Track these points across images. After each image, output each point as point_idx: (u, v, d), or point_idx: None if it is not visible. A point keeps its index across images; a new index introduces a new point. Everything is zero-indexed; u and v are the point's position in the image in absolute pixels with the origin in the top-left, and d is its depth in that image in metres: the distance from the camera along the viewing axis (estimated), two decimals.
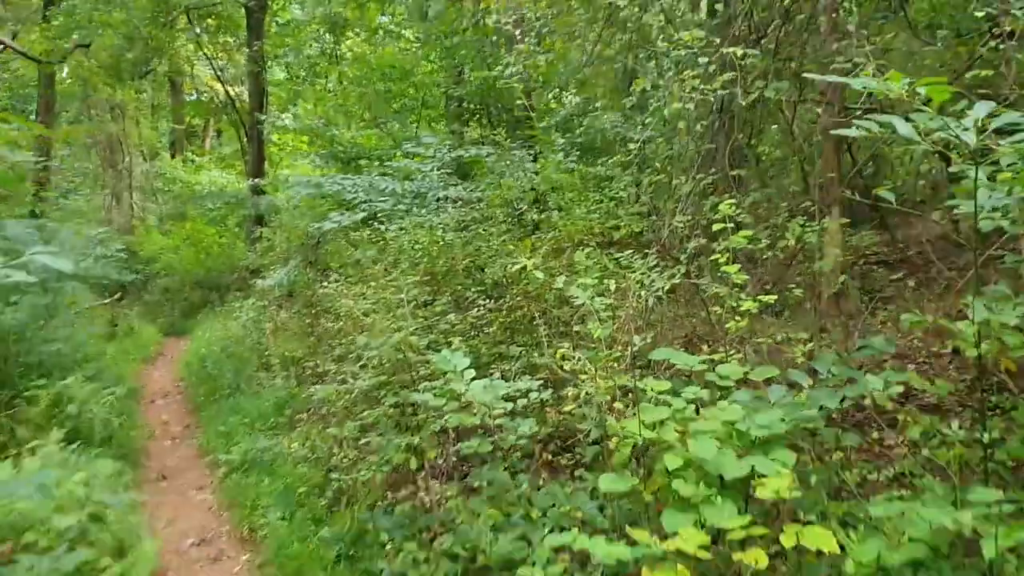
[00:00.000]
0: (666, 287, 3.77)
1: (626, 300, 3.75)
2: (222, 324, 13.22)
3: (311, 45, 19.14)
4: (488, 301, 6.14)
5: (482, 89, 12.07)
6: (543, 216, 5.57)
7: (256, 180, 16.10)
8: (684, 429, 3.25)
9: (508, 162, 7.69)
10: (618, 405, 3.32)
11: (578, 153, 8.42)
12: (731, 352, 3.99)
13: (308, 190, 9.37)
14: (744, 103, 4.43)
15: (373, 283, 6.64)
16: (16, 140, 18.87)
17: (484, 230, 6.89)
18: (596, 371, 3.30)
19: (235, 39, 21.35)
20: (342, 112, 17.37)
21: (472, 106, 12.80)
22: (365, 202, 8.05)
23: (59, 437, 5.24)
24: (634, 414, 3.37)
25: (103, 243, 12.16)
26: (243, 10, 18.26)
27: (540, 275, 3.86)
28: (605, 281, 3.85)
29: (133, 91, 22.91)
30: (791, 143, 8.06)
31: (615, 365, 3.29)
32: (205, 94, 26.18)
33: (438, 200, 8.00)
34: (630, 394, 3.41)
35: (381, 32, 17.91)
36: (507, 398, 3.99)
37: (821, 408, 3.22)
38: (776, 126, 7.92)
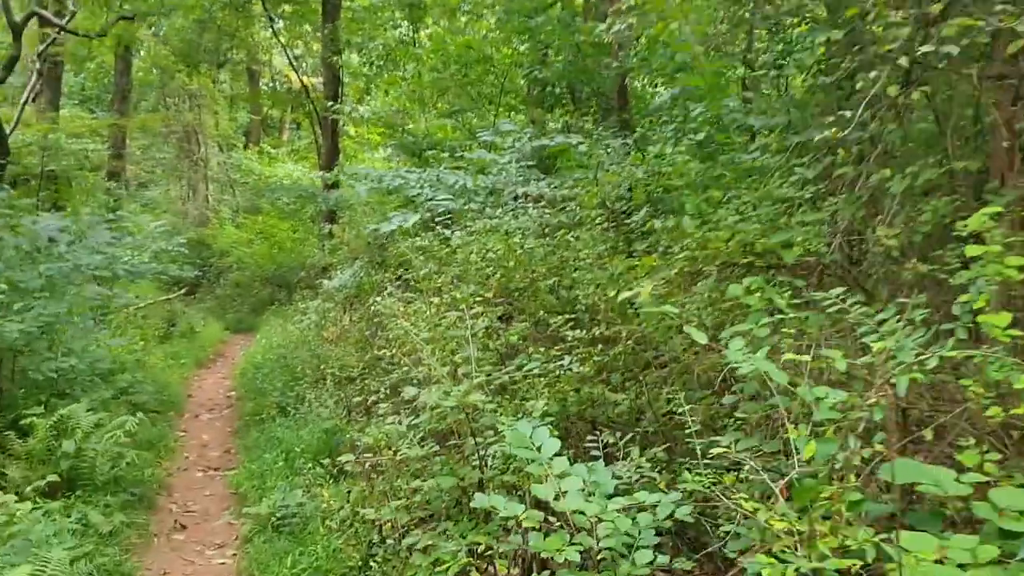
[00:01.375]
0: (931, 362, 2.23)
1: (872, 384, 2.23)
2: (283, 326, 12.31)
3: (387, 31, 18.14)
4: (578, 330, 4.68)
5: (569, 71, 10.64)
6: (663, 222, 4.08)
7: (324, 173, 15.17)
8: None
9: (607, 151, 6.23)
10: None
11: (685, 146, 6.83)
12: (985, 450, 2.45)
13: (369, 184, 8.16)
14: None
15: (436, 300, 5.34)
16: (95, 129, 18.62)
17: (575, 237, 5.45)
18: (811, 521, 1.86)
19: (311, 26, 20.60)
20: (417, 100, 16.25)
21: (557, 90, 11.33)
22: (429, 200, 6.76)
23: (20, 493, 4.11)
24: None
25: (164, 236, 11.34)
26: None
27: (702, 337, 2.36)
28: (818, 344, 2.38)
29: (209, 80, 22.53)
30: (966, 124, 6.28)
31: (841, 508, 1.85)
32: (282, 84, 25.69)
33: (516, 198, 6.62)
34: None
35: (460, 15, 16.72)
36: (622, 510, 2.57)
37: None
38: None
